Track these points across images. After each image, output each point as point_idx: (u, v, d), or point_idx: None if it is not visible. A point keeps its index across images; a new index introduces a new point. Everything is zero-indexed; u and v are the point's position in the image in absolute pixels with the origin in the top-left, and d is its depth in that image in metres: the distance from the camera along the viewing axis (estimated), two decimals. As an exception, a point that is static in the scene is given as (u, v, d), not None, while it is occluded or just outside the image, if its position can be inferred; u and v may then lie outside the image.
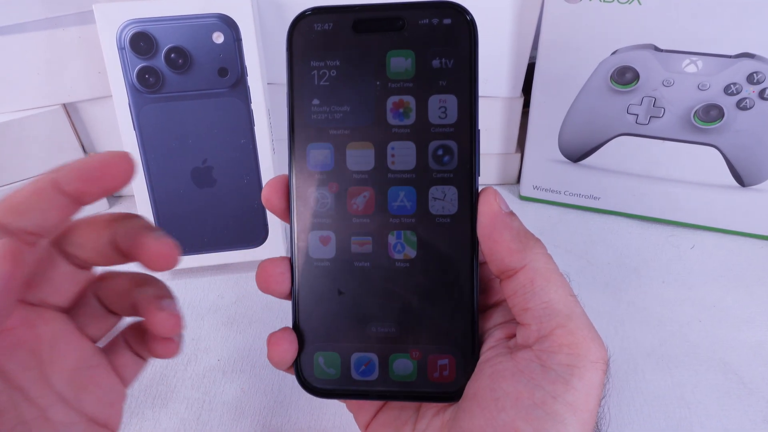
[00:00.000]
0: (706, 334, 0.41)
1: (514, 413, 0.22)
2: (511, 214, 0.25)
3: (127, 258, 0.24)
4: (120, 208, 0.53)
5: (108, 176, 0.23)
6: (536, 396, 0.22)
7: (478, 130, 0.25)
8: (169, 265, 0.24)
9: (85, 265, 0.26)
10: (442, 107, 0.25)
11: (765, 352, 0.40)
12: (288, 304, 0.42)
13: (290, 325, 0.26)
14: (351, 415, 0.37)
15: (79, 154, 0.49)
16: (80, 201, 0.23)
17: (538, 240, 0.24)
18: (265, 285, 0.26)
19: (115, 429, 0.27)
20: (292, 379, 0.39)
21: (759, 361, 0.39)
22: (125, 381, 0.27)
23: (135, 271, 0.26)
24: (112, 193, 0.24)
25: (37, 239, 0.23)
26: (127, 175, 0.23)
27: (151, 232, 0.24)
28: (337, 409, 0.37)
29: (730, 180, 0.45)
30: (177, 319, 0.25)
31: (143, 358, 0.28)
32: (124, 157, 0.23)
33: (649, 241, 0.48)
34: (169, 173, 0.43)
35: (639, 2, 0.40)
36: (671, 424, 0.36)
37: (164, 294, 0.26)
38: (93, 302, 0.27)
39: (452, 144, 0.25)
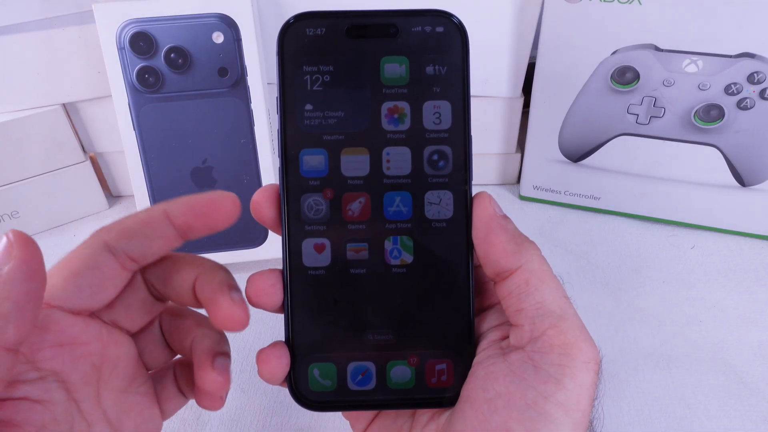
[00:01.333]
0: (706, 334, 0.41)
1: (507, 414, 0.22)
2: (506, 217, 0.25)
3: (201, 306, 0.25)
4: (120, 208, 0.53)
5: (215, 214, 0.24)
6: (528, 396, 0.22)
7: (471, 135, 0.25)
8: (236, 328, 0.24)
9: (161, 298, 0.26)
10: (437, 113, 0.25)
11: (766, 353, 0.40)
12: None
13: (283, 335, 0.26)
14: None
15: (78, 155, 0.49)
16: (185, 235, 0.25)
17: (532, 242, 0.24)
18: (256, 299, 0.25)
19: None
20: (292, 379, 0.39)
21: (759, 361, 0.39)
22: (164, 413, 0.27)
23: (201, 313, 0.27)
24: (216, 231, 0.25)
25: (134, 265, 0.24)
26: (233, 216, 0.25)
27: (230, 291, 0.24)
28: (337, 410, 0.37)
29: (731, 180, 0.45)
30: (224, 382, 0.25)
31: (186, 397, 0.28)
32: (232, 199, 0.25)
33: (649, 241, 0.48)
34: (169, 173, 0.43)
35: (639, 2, 0.40)
36: (671, 424, 0.36)
37: (221, 349, 0.26)
38: (157, 332, 0.27)
39: (447, 149, 0.25)
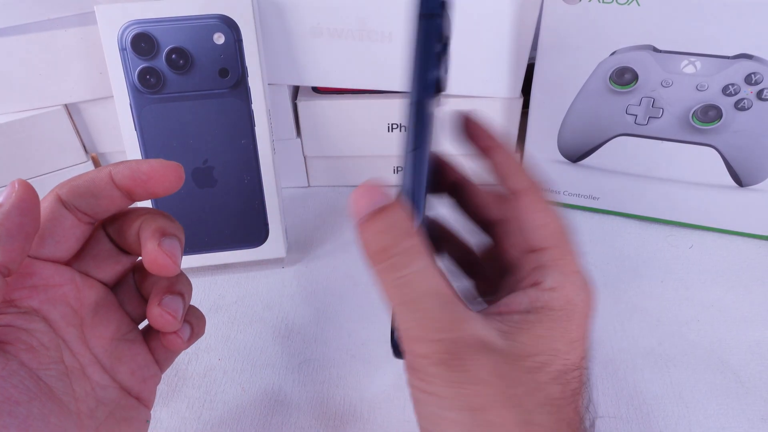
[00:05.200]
0: (704, 334, 0.41)
1: None
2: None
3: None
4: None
5: (154, 183, 0.26)
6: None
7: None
8: (161, 272, 0.26)
9: (125, 251, 0.28)
10: None
11: (763, 352, 0.40)
12: (288, 306, 0.42)
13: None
14: (350, 415, 0.37)
15: (80, 155, 0.49)
16: (130, 197, 0.26)
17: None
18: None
19: (148, 404, 0.29)
20: (292, 378, 0.39)
21: (757, 361, 0.39)
22: (160, 364, 0.29)
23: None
24: (157, 197, 0.27)
25: (91, 219, 0.26)
26: (173, 186, 0.26)
27: (161, 237, 0.26)
28: (337, 409, 0.37)
29: (729, 180, 0.45)
30: (171, 319, 0.27)
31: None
32: (174, 168, 0.26)
33: (647, 241, 0.49)
34: (170, 173, 0.43)
35: (638, 3, 0.41)
36: (670, 424, 0.36)
37: (173, 289, 0.28)
38: (132, 285, 0.29)
39: None
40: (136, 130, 0.42)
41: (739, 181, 0.45)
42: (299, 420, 0.37)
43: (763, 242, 0.48)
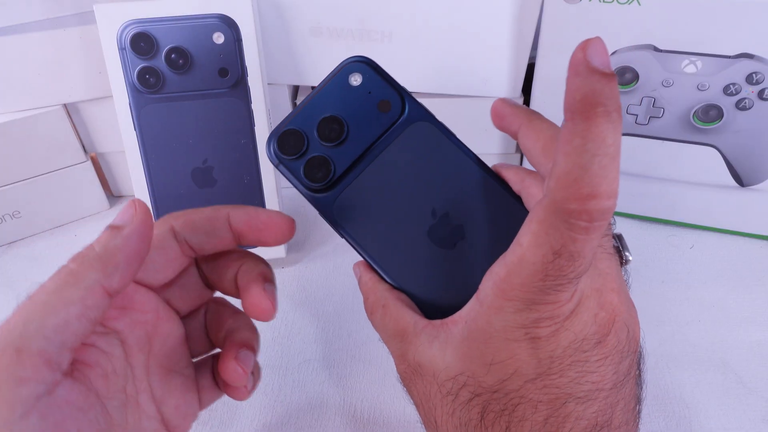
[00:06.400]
0: (705, 334, 0.41)
1: None
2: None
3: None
4: (120, 208, 0.53)
5: (268, 233, 0.27)
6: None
7: None
8: (263, 317, 0.27)
9: (210, 286, 0.29)
10: None
11: (764, 352, 0.40)
12: (288, 306, 0.42)
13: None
14: (351, 415, 0.37)
15: (79, 155, 0.49)
16: (240, 240, 0.27)
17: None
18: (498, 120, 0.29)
19: None
20: (292, 378, 0.39)
21: (758, 361, 0.39)
22: (201, 403, 0.29)
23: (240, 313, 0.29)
24: (266, 246, 0.28)
25: (193, 253, 0.27)
26: (284, 238, 0.27)
27: (263, 282, 0.27)
28: (337, 409, 0.37)
29: (730, 180, 0.45)
30: (243, 374, 0.27)
31: (222, 391, 0.30)
32: (288, 223, 0.27)
33: (648, 241, 0.48)
34: (169, 173, 0.43)
35: (638, 2, 0.40)
36: (671, 424, 0.36)
37: (248, 343, 0.28)
38: (202, 320, 0.30)
39: None
40: (135, 130, 0.42)
41: (740, 181, 0.45)
42: (299, 420, 0.37)
43: (765, 242, 0.48)
